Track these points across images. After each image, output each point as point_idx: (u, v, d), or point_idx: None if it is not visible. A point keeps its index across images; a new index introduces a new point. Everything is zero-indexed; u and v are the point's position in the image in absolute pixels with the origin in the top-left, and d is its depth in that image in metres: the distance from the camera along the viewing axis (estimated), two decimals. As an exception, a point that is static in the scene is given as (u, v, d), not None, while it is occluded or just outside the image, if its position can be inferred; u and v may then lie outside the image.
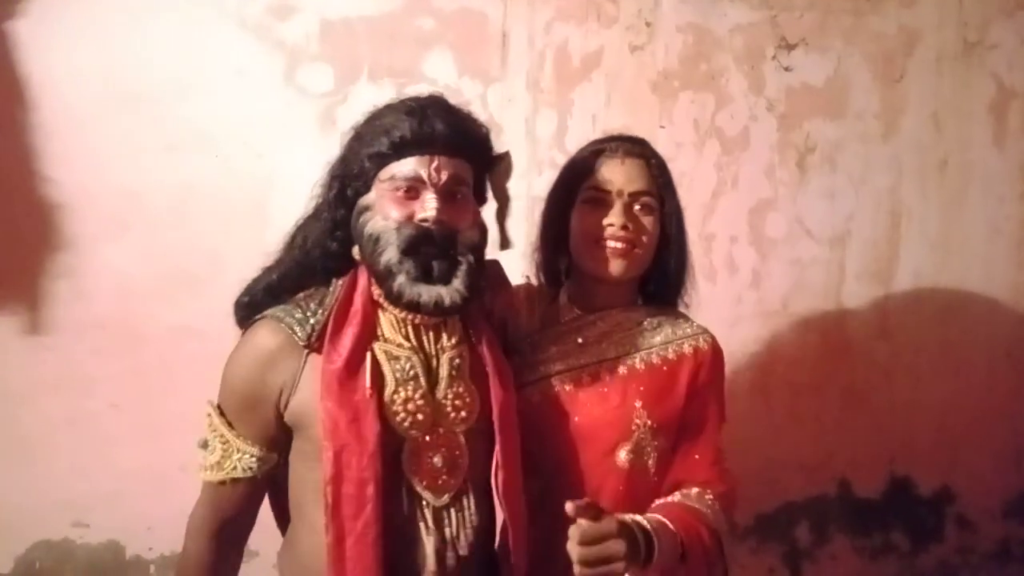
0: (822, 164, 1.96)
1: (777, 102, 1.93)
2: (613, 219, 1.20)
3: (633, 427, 1.19)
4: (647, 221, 1.22)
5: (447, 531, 1.04)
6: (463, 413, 1.07)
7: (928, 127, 1.99)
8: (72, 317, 1.72)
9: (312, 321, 1.04)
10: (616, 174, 1.22)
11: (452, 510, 1.05)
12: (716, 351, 1.28)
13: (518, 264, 1.34)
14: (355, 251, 1.09)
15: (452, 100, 1.11)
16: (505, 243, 1.19)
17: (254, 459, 1.05)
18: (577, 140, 1.50)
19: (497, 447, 1.08)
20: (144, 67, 1.71)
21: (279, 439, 1.07)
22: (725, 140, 1.91)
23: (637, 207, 1.22)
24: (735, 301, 1.95)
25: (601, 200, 1.22)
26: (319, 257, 1.10)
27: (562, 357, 1.24)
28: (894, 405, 2.03)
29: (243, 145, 1.74)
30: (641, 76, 1.87)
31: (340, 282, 1.09)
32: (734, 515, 1.26)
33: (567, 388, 1.22)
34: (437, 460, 1.04)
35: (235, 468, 1.05)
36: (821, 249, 1.97)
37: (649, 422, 1.19)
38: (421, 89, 1.80)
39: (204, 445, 1.08)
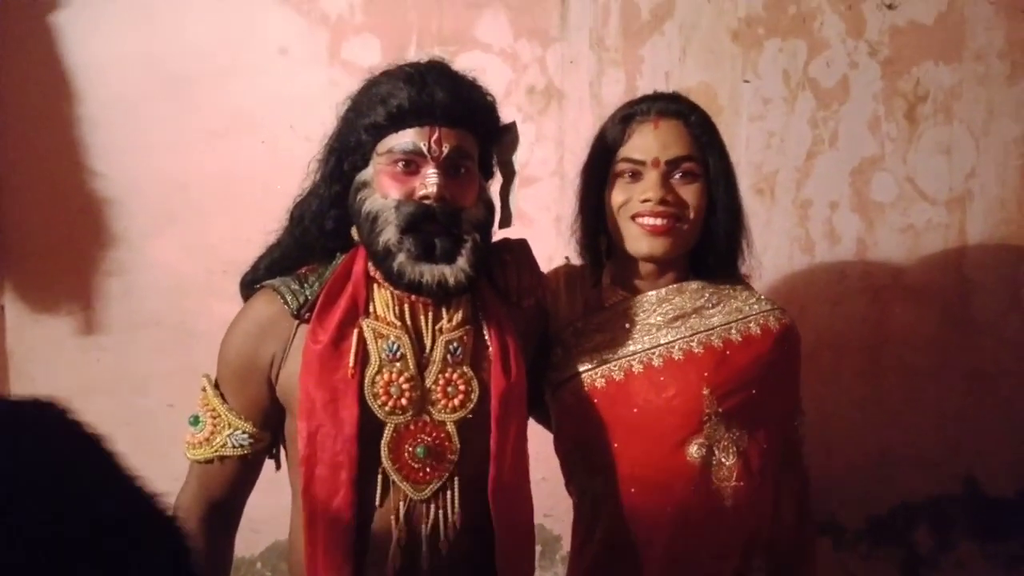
0: (936, 114, 1.84)
1: (880, 45, 1.81)
2: (650, 193, 1.14)
3: (704, 418, 1.14)
4: (690, 190, 1.16)
5: (423, 527, 1.02)
6: (455, 401, 1.05)
7: (1065, 64, 1.83)
8: (125, 315, 1.77)
9: (307, 293, 1.06)
10: (650, 141, 1.16)
11: (432, 506, 1.03)
12: (790, 331, 1.21)
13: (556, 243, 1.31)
14: (354, 231, 1.09)
15: (455, 67, 1.10)
16: (506, 220, 1.17)
17: (245, 435, 1.07)
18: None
19: (492, 441, 1.05)
20: (185, 51, 1.74)
21: (272, 416, 1.08)
22: (821, 92, 1.81)
23: (677, 175, 1.16)
24: (838, 276, 1.85)
25: (636, 172, 1.17)
26: (316, 235, 1.11)
27: (610, 345, 1.20)
28: (1030, 390, 1.90)
29: (289, 128, 1.75)
30: (720, 24, 1.79)
31: (342, 257, 1.10)
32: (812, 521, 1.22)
33: (618, 379, 1.18)
34: (419, 450, 1.02)
35: (225, 445, 1.07)
36: (937, 212, 1.86)
37: (720, 410, 1.14)
38: (474, 57, 1.85)
39: (194, 421, 1.10)
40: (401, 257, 1.01)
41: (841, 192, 1.85)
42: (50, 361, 1.79)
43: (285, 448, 1.13)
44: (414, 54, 1.76)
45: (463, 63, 1.76)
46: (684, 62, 1.80)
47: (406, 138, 1.03)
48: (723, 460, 1.15)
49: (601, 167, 1.22)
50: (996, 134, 1.85)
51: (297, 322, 1.06)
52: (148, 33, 1.74)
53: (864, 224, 1.86)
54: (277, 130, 1.76)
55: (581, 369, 1.21)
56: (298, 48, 1.77)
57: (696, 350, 1.18)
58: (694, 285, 1.22)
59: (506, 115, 1.80)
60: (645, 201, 1.15)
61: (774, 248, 1.84)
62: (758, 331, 1.18)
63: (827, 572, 1.90)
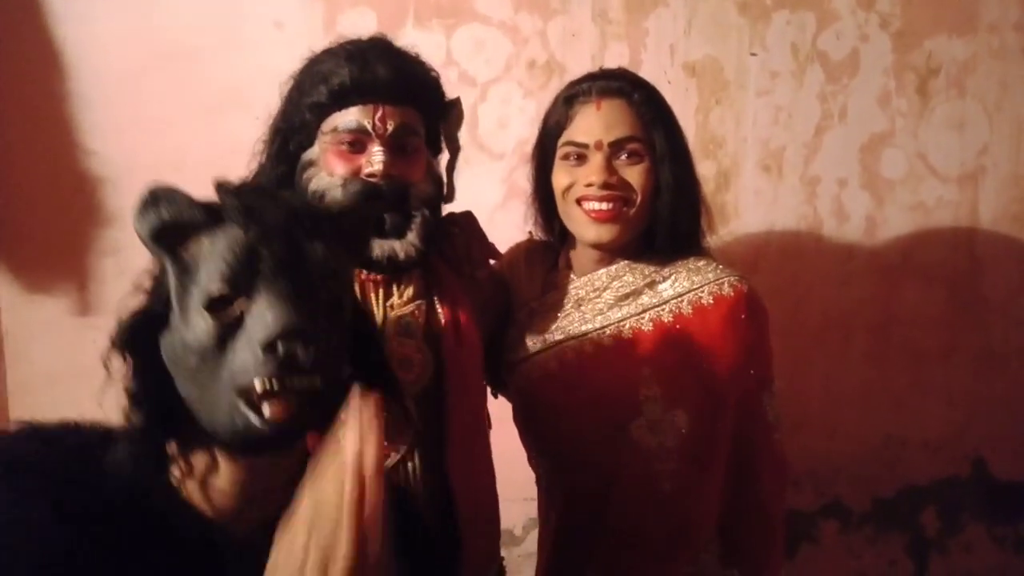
0: (948, 89, 1.81)
1: (892, 17, 1.78)
2: (593, 177, 1.12)
3: (641, 398, 1.11)
4: (636, 171, 1.14)
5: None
6: (410, 376, 1.06)
7: (1084, 37, 1.79)
8: (120, 295, 1.78)
9: None
10: (592, 122, 1.14)
11: (394, 479, 1.02)
12: (747, 297, 1.16)
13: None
14: None
15: (398, 43, 1.08)
16: (450, 195, 1.16)
17: None
18: (652, 76, 1.42)
19: (448, 414, 1.06)
20: (179, 25, 1.71)
21: None
22: (830, 66, 1.78)
23: (623, 157, 1.14)
24: (845, 255, 1.83)
25: (581, 155, 1.15)
26: None
27: (563, 326, 1.19)
28: (1040, 371, 1.88)
29: (285, 104, 1.75)
30: (727, -5, 1.75)
31: None
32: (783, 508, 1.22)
33: (569, 359, 1.16)
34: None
35: None
36: (949, 190, 1.83)
37: (659, 391, 1.11)
38: (474, 30, 1.83)
39: None
40: None
41: (850, 169, 1.82)
42: (45, 342, 1.79)
43: None
44: (411, 28, 1.75)
45: (462, 36, 1.78)
46: (689, 35, 1.77)
47: (350, 116, 1.03)
48: (663, 443, 1.12)
49: (548, 151, 1.21)
50: (1010, 109, 1.83)
51: None
52: (141, 7, 1.72)
53: (873, 202, 1.83)
54: (272, 106, 1.74)
55: (534, 351, 1.20)
56: (293, 22, 1.74)
57: (645, 328, 1.16)
58: (647, 260, 1.20)
59: (508, 90, 1.78)
60: (589, 185, 1.13)
61: (781, 226, 1.82)
62: (710, 300, 1.15)
63: (833, 554, 1.91)
